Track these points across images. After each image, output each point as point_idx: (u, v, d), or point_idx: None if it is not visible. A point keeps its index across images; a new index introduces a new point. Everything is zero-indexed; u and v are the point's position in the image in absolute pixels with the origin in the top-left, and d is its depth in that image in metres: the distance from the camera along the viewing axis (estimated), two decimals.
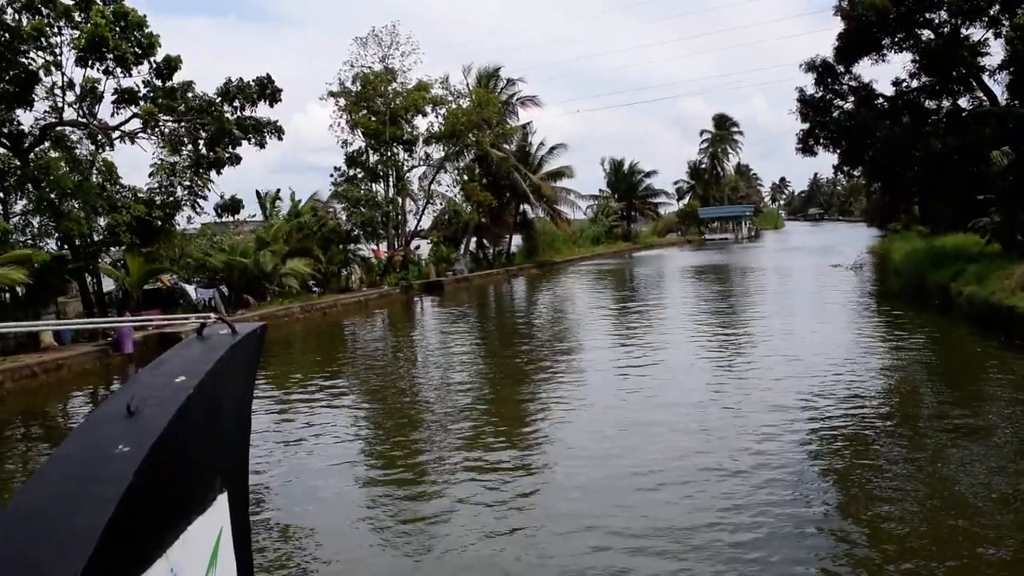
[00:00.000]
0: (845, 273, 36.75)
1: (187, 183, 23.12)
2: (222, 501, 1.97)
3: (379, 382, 16.35)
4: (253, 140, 22.54)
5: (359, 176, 40.73)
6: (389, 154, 41.18)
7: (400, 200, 42.29)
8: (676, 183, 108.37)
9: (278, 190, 35.92)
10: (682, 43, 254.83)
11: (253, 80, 21.88)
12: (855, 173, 34.02)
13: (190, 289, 26.66)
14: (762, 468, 8.74)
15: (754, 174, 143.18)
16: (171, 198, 23.25)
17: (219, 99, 21.64)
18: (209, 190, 23.48)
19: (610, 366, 15.79)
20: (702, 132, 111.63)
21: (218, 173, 22.80)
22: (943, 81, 24.77)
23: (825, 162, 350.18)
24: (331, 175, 40.67)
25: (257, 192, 35.50)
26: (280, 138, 22.82)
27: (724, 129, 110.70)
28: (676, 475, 8.67)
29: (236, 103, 21.70)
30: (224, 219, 34.09)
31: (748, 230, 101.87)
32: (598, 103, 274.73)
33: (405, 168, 42.25)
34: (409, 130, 41.81)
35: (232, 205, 23.44)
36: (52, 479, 1.50)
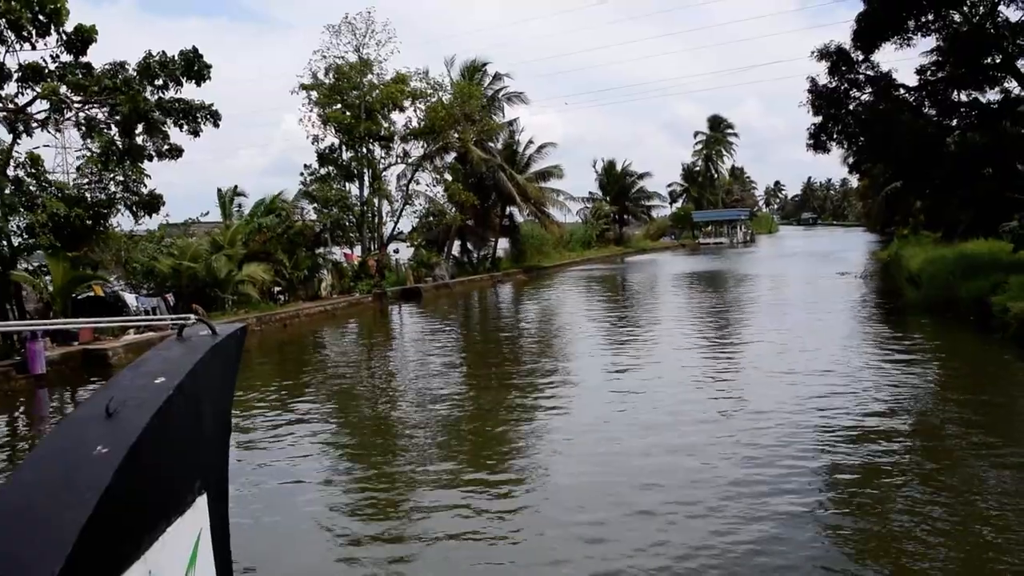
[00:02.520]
0: (855, 282, 34.04)
1: (120, 177, 20.13)
2: (201, 503, 1.92)
3: (329, 412, 13.48)
4: (186, 127, 19.54)
5: (332, 174, 37.82)
6: (364, 151, 38.30)
7: (376, 200, 39.40)
8: (669, 186, 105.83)
9: (235, 187, 32.95)
10: (675, 45, 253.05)
11: (178, 54, 18.83)
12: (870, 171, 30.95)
13: (131, 298, 23.76)
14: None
15: (748, 177, 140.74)
16: (103, 195, 20.30)
17: (137, 76, 18.55)
18: (145, 185, 20.49)
19: (600, 402, 13.00)
20: (696, 134, 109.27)
21: (135, 163, 19.58)
22: (975, 70, 22.03)
23: (820, 166, 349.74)
24: (301, 173, 37.79)
25: (218, 190, 32.57)
26: (216, 124, 19.81)
27: (719, 131, 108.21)
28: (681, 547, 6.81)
29: (160, 81, 18.68)
30: (192, 220, 31.46)
31: (744, 234, 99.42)
32: (587, 99, 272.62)
33: (381, 166, 39.36)
34: (386, 126, 38.97)
35: (150, 203, 20.34)
36: (29, 480, 1.46)
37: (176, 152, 20.73)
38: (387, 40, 37.90)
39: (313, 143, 37.94)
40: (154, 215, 20.55)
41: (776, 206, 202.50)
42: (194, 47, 19.06)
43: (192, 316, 2.24)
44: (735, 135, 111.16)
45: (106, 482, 1.36)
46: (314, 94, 37.47)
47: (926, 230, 45.81)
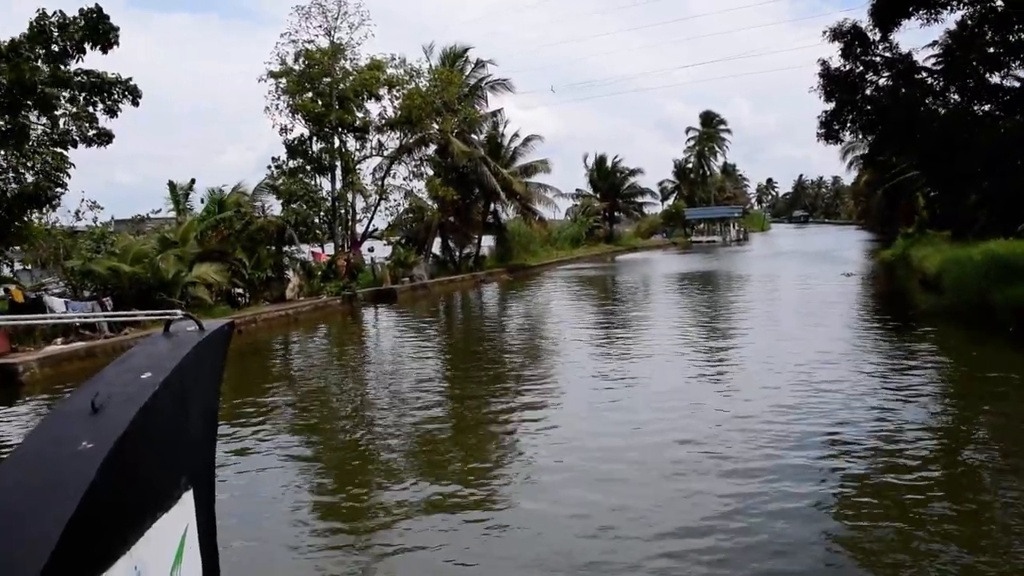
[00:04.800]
0: (862, 285, 31.68)
1: (38, 166, 17.42)
2: (188, 499, 1.91)
3: (259, 442, 10.90)
4: (101, 105, 16.82)
5: (301, 167, 35.18)
6: (336, 142, 35.66)
7: (349, 195, 36.74)
8: (661, 183, 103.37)
9: (192, 180, 30.17)
10: (667, 42, 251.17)
11: (79, 12, 15.82)
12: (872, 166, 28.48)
13: (58, 303, 21.07)
14: None
15: (741, 174, 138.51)
16: (18, 186, 17.62)
17: (27, 43, 15.67)
18: (68, 175, 17.80)
19: (585, 431, 10.51)
20: (688, 130, 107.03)
21: (11, 147, 16.70)
22: (1011, 47, 19.56)
23: (811, 163, 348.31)
24: (268, 166, 35.11)
25: (170, 183, 29.76)
26: (136, 103, 17.13)
27: (711, 127, 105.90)
28: None
29: (57, 46, 15.81)
30: (140, 216, 28.84)
31: (736, 232, 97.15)
32: (577, 95, 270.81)
33: (355, 159, 36.70)
34: (360, 116, 36.35)
35: (33, 195, 17.52)
36: (13, 476, 1.45)
37: (105, 138, 18.04)
38: (360, 23, 35.28)
39: (281, 134, 35.35)
40: (99, 210, 17.72)
41: (767, 204, 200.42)
42: (97, 5, 16.16)
43: (179, 311, 2.18)
44: (728, 131, 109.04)
45: (91, 478, 1.34)
46: (283, 82, 34.83)
47: (931, 228, 43.53)
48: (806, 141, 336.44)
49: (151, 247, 24.73)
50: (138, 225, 27.37)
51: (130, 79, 16.88)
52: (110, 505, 1.44)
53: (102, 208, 24.42)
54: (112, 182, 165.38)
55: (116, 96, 16.85)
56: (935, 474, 8.58)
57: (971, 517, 7.34)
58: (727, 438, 10.05)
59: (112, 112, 17.12)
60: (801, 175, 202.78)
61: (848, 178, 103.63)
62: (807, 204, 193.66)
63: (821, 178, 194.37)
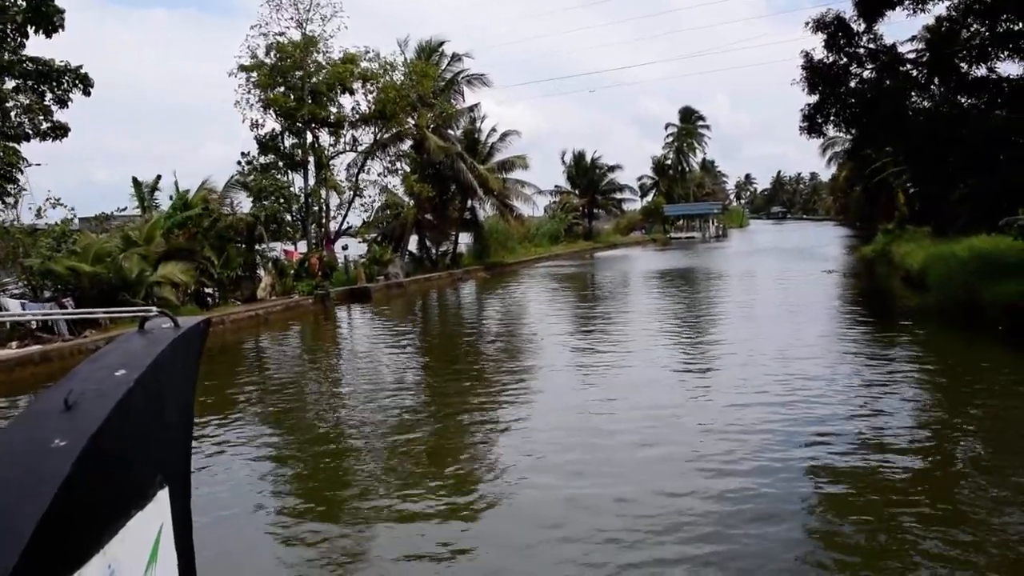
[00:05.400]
0: (844, 281, 31.25)
1: None
2: (163, 496, 1.88)
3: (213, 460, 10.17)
4: (50, 95, 15.93)
5: (273, 163, 34.27)
6: (310, 137, 34.79)
7: (323, 192, 35.87)
8: (640, 179, 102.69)
9: (158, 176, 29.19)
10: (646, 39, 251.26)
11: None
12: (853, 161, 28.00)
13: (13, 304, 20.20)
14: None
15: (719, 171, 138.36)
16: None
17: None
18: (21, 171, 16.91)
19: (566, 426, 9.86)
20: (667, 126, 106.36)
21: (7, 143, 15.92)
22: (998, 38, 19.07)
23: (789, 160, 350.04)
24: (238, 162, 34.14)
25: (134, 180, 28.77)
26: (87, 92, 16.24)
27: (690, 123, 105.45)
28: None
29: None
30: (104, 214, 27.83)
31: (716, 229, 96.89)
32: (555, 91, 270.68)
33: (328, 154, 35.82)
34: (334, 110, 35.50)
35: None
36: None
37: (60, 131, 17.16)
38: (333, 15, 34.39)
39: (252, 129, 34.41)
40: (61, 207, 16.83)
41: (746, 200, 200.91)
42: None
43: (154, 308, 2.17)
44: (707, 127, 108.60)
45: (64, 475, 1.33)
46: (254, 75, 33.90)
47: (911, 224, 43.30)
48: (784, 138, 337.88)
49: (114, 246, 23.82)
50: (102, 223, 26.39)
51: (80, 67, 15.98)
52: (83, 503, 1.42)
53: (64, 205, 23.52)
54: (90, 180, 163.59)
55: (66, 85, 15.97)
56: (922, 473, 8.40)
57: (955, 518, 7.17)
58: (708, 442, 9.66)
59: (62, 102, 16.24)
60: (779, 171, 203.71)
61: (827, 174, 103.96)
62: (785, 200, 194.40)
63: (799, 174, 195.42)
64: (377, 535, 7.56)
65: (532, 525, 7.46)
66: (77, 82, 16.18)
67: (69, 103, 16.43)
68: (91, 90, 16.26)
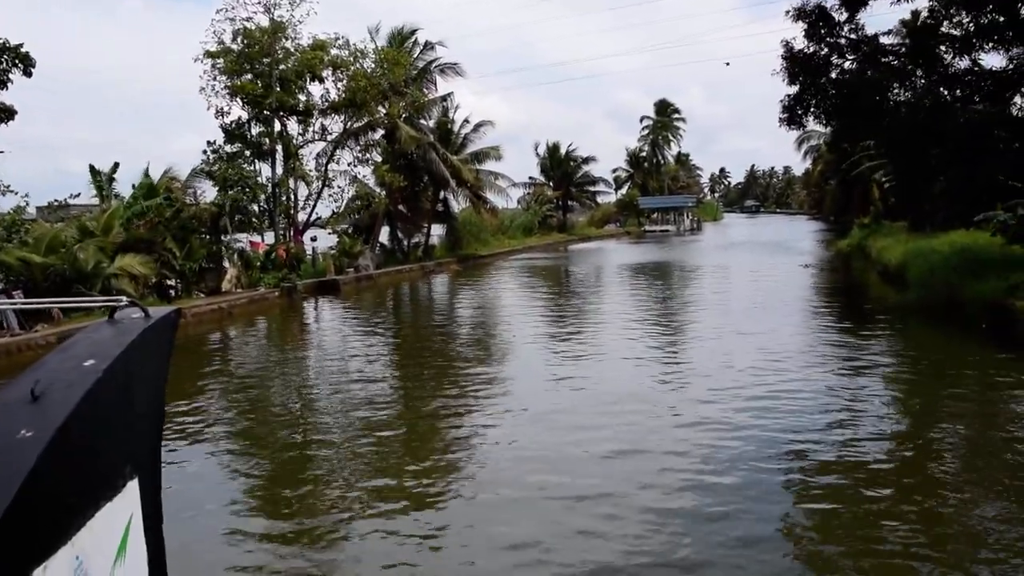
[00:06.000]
0: (821, 276, 30.89)
1: None
2: (132, 487, 1.87)
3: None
4: None
5: (239, 152, 33.27)
6: (277, 126, 33.83)
7: (291, 181, 34.96)
8: (615, 171, 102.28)
9: (116, 164, 28.13)
10: (621, 32, 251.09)
11: None
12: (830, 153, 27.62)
13: None
14: None
15: (694, 164, 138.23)
16: None
17: None
18: None
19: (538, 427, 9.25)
20: (642, 118, 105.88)
21: None
22: (982, 29, 18.63)
23: (762, 154, 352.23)
24: (204, 151, 33.10)
25: (91, 167, 27.72)
26: (28, 72, 15.27)
27: (665, 115, 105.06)
28: None
29: None
30: (58, 203, 26.80)
31: (690, 222, 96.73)
32: (531, 83, 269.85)
33: (297, 143, 34.89)
34: (303, 99, 34.55)
35: None
36: None
37: (5, 114, 16.21)
38: (302, 0, 33.40)
39: (218, 117, 33.39)
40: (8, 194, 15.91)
41: (720, 193, 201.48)
42: None
43: (124, 298, 2.12)
44: (682, 120, 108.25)
45: (30, 467, 1.32)
46: (220, 62, 32.87)
47: (886, 218, 43.16)
48: (758, 132, 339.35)
49: (69, 236, 22.88)
50: (55, 212, 25.36)
51: (20, 45, 15.04)
52: (50, 494, 1.41)
53: (15, 192, 22.50)
54: (62, 170, 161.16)
55: (4, 64, 15.03)
56: (903, 476, 8.10)
57: (937, 520, 7.04)
58: (682, 441, 9.41)
59: (1, 83, 15.30)
60: (753, 165, 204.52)
61: (800, 168, 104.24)
62: (759, 194, 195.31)
63: (772, 168, 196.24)
64: (345, 542, 7.17)
65: (490, 544, 6.99)
66: (17, 61, 15.24)
67: (9, 84, 15.47)
68: (32, 70, 15.30)
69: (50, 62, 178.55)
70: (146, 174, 27.70)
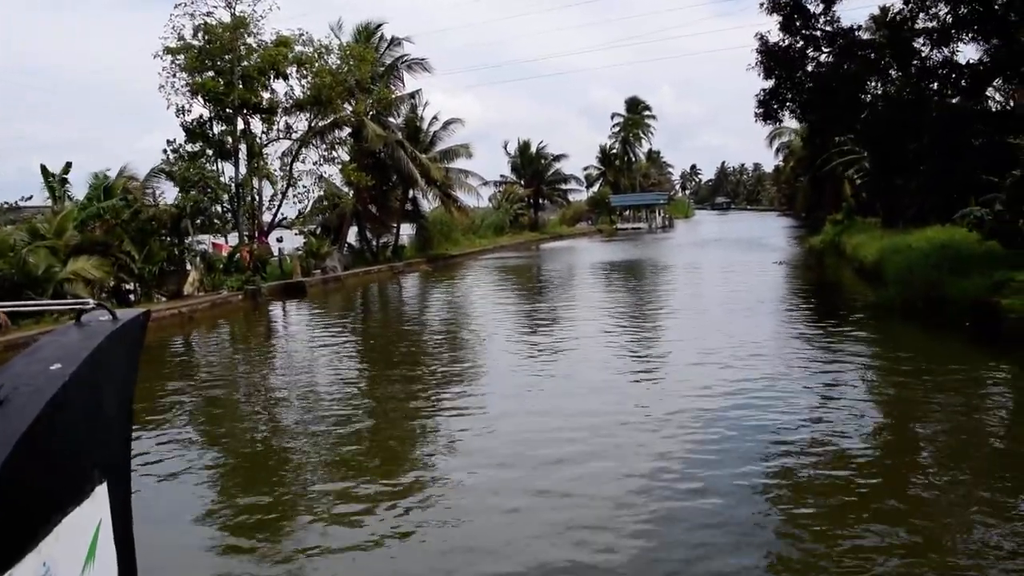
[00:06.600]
0: (796, 273, 30.56)
1: None
2: (101, 492, 1.85)
3: None
4: None
5: (201, 151, 32.29)
6: (241, 124, 32.89)
7: (256, 181, 34.05)
8: (586, 169, 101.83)
9: (68, 164, 27.08)
10: (592, 30, 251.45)
11: None
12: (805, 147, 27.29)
13: None
14: None
15: (665, 161, 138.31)
16: None
17: None
18: None
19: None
20: (613, 115, 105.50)
21: None
22: (960, 21, 18.24)
23: (731, 151, 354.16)
24: (164, 150, 32.09)
25: (42, 168, 26.67)
26: None
27: (636, 113, 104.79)
28: None
29: None
30: (7, 205, 25.80)
31: (662, 219, 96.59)
32: (493, 75, 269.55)
33: (261, 142, 33.97)
34: (267, 96, 33.66)
35: None
36: None
37: None
38: None
39: (178, 115, 32.39)
40: None
41: (691, 190, 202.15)
42: None
43: (91, 300, 2.07)
44: (653, 117, 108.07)
45: None
46: (181, 58, 31.88)
47: (858, 214, 43.03)
48: (728, 129, 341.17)
49: (19, 240, 21.94)
50: (7, 215, 24.35)
51: None
52: (15, 501, 1.40)
53: None
54: (26, 169, 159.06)
55: None
56: (883, 475, 8.06)
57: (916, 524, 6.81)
58: (659, 443, 9.19)
59: None
60: (723, 162, 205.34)
61: (771, 165, 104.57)
62: (729, 191, 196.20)
63: (743, 165, 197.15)
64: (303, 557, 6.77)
65: (466, 547, 6.82)
66: None
67: None
68: None
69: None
70: (96, 175, 26.72)
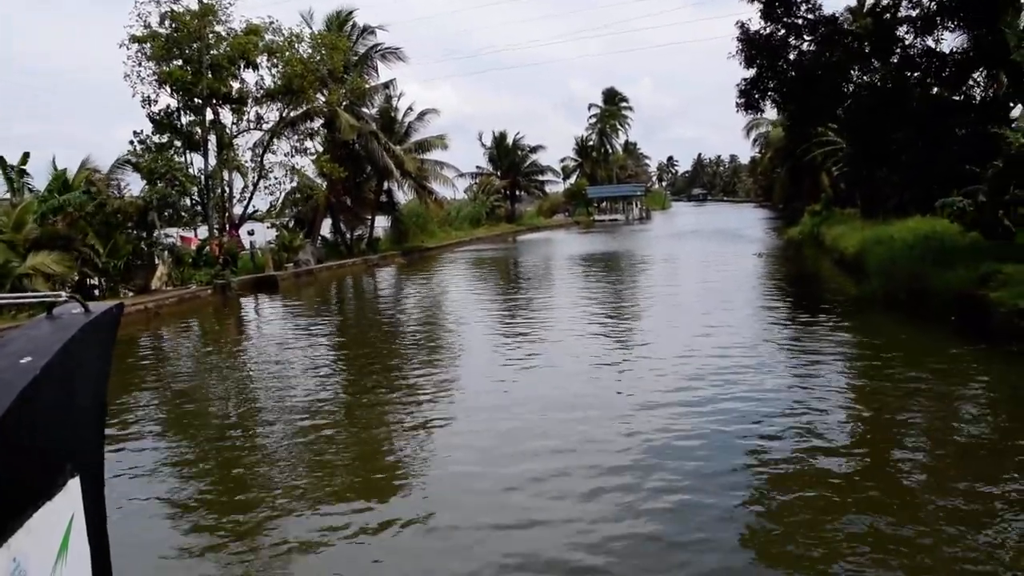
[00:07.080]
0: (775, 265, 30.26)
1: None
2: (74, 486, 1.80)
3: None
4: None
5: (168, 142, 31.48)
6: (210, 115, 32.09)
7: (227, 173, 33.28)
8: (563, 160, 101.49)
9: (25, 154, 26.17)
10: (565, 16, 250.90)
11: None
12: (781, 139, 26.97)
13: None
14: None
15: (642, 153, 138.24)
16: None
17: None
18: None
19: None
20: (590, 107, 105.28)
21: None
22: (945, 9, 17.86)
23: (708, 143, 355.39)
24: (131, 141, 31.28)
25: (1, 159, 25.75)
26: None
27: (613, 104, 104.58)
28: None
29: None
30: None
31: (639, 211, 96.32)
32: (468, 66, 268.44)
33: (231, 133, 33.18)
34: (237, 86, 32.88)
35: None
36: None
37: None
38: None
39: (144, 105, 31.57)
40: None
41: (668, 182, 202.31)
42: None
43: (63, 293, 2.03)
44: (630, 109, 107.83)
45: None
46: (147, 47, 31.05)
47: (836, 205, 42.90)
48: (705, 120, 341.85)
49: None
50: None
51: None
52: None
53: None
54: None
55: None
56: (864, 466, 7.91)
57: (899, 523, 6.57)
58: (639, 443, 8.82)
59: None
60: (700, 154, 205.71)
61: (747, 156, 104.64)
62: (706, 182, 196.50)
63: (719, 157, 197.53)
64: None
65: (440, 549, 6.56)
66: None
67: None
68: None
69: None
70: (54, 164, 25.91)
